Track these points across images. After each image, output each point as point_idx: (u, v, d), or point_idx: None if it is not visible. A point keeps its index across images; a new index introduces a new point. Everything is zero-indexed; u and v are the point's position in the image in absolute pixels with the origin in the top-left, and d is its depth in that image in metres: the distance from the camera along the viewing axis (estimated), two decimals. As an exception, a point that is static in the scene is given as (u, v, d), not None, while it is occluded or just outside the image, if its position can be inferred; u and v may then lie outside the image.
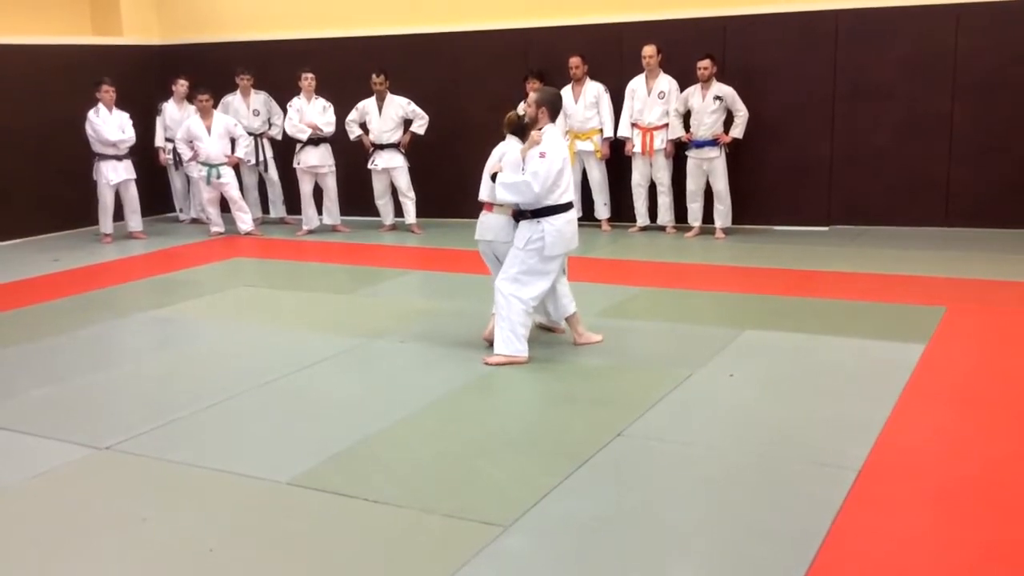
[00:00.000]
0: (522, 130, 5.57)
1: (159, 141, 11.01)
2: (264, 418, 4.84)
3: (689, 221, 9.38)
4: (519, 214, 5.48)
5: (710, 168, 9.15)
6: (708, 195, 9.32)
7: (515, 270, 5.45)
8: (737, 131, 9.03)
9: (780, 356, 5.51)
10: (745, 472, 3.98)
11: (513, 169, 5.42)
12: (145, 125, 10.66)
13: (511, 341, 5.43)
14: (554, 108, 5.54)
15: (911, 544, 3.35)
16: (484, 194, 5.71)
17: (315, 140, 10.15)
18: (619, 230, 9.77)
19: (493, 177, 5.51)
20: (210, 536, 3.57)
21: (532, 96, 5.58)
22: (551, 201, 5.39)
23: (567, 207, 5.50)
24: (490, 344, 5.65)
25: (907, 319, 6.08)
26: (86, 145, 9.89)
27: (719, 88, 9.00)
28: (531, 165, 5.33)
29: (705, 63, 8.94)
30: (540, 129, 5.43)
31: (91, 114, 9.79)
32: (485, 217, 5.70)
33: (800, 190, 9.41)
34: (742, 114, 8.99)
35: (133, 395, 5.28)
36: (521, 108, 5.95)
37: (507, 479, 3.98)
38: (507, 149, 5.57)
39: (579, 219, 9.78)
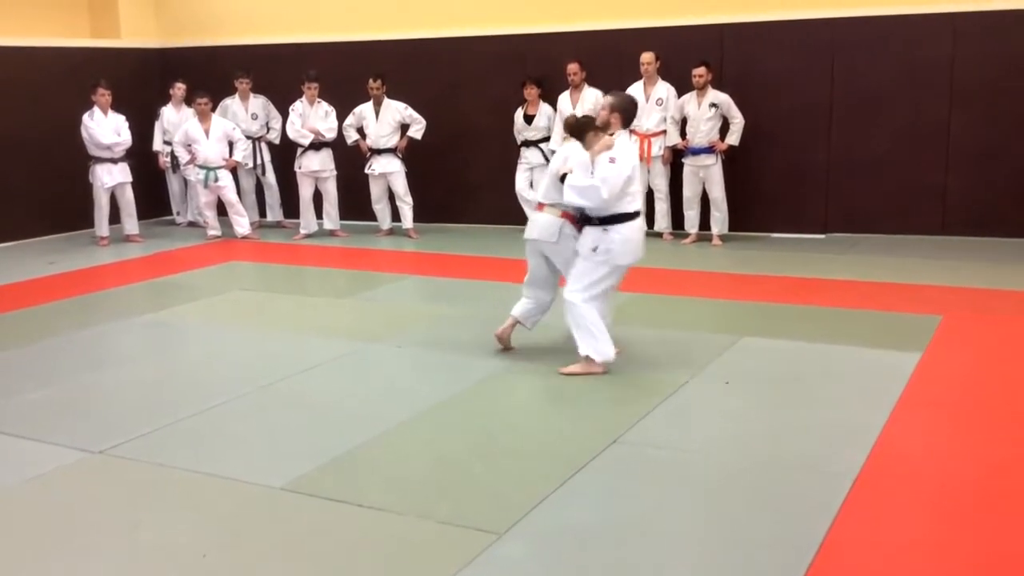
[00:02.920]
0: (580, 133, 5.37)
1: (157, 145, 11.00)
2: (259, 423, 4.82)
3: (686, 228, 9.39)
4: (585, 219, 5.35)
5: (706, 175, 9.17)
6: (704, 202, 9.33)
7: (585, 281, 5.32)
8: (733, 138, 9.05)
9: (777, 363, 5.50)
10: (741, 479, 3.98)
11: (582, 171, 5.26)
12: (143, 128, 10.66)
13: (592, 350, 5.29)
14: (628, 115, 5.39)
15: (907, 551, 3.35)
16: (540, 194, 5.64)
17: (317, 145, 10.15)
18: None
19: (562, 179, 5.32)
20: (204, 541, 3.55)
21: (607, 100, 5.40)
22: (619, 209, 5.25)
23: (635, 215, 5.35)
24: (502, 344, 5.62)
25: (903, 327, 6.08)
26: (83, 148, 9.87)
27: (715, 95, 9.01)
28: (600, 170, 5.17)
29: (700, 70, 8.96)
30: (612, 135, 5.28)
31: (86, 117, 9.78)
32: (535, 215, 5.62)
33: (797, 197, 9.42)
34: (738, 121, 9.01)
35: (128, 399, 5.26)
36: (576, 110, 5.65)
37: (503, 485, 3.97)
38: (570, 152, 5.41)
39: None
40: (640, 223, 5.42)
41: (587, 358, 5.32)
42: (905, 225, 9.09)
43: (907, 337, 5.81)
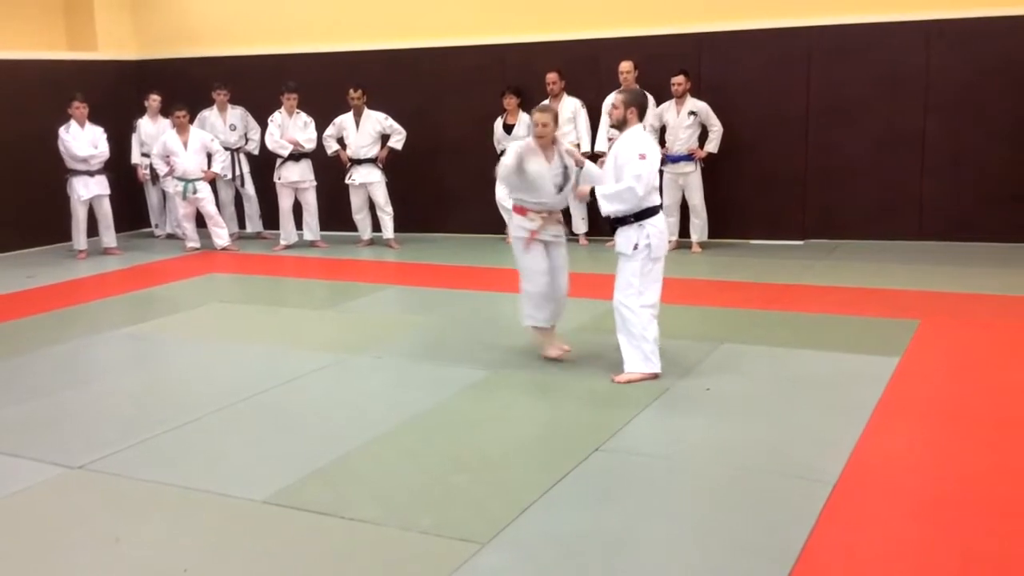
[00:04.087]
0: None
1: (136, 158, 10.96)
2: (240, 436, 4.80)
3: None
4: (618, 220, 5.34)
5: (685, 183, 9.22)
6: (684, 210, 9.38)
7: (631, 280, 5.34)
8: (712, 146, 9.11)
9: (756, 370, 5.53)
10: (721, 486, 4.00)
11: (605, 177, 5.35)
12: (121, 140, 10.60)
13: (644, 358, 5.32)
14: (642, 108, 5.48)
15: (886, 557, 3.37)
16: (501, 194, 5.76)
17: (296, 155, 10.13)
18: (596, 244, 9.79)
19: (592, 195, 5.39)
20: (185, 556, 3.53)
21: (619, 97, 5.40)
22: (651, 202, 5.30)
23: (661, 206, 5.46)
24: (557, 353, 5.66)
25: (881, 332, 6.13)
26: (60, 160, 9.81)
27: (693, 104, 9.08)
28: (632, 168, 5.17)
29: (679, 79, 9.02)
30: (624, 130, 5.35)
31: (62, 130, 9.73)
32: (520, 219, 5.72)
33: (775, 204, 9.48)
34: (716, 129, 9.07)
35: (107, 413, 5.22)
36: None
37: (485, 495, 3.97)
38: (518, 147, 5.54)
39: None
40: (663, 216, 5.50)
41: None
42: (882, 231, 9.18)
43: (885, 342, 5.86)
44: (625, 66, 9.29)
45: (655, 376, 5.32)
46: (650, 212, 5.30)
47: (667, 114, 9.18)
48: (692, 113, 9.07)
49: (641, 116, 5.43)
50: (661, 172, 9.22)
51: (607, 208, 5.30)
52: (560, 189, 5.62)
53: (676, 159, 9.17)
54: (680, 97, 9.08)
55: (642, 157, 5.19)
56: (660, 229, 5.36)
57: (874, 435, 4.44)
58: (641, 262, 5.32)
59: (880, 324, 6.33)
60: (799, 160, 9.36)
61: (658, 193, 5.43)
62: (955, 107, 8.82)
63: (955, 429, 4.56)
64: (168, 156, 10.17)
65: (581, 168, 5.65)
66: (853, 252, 8.88)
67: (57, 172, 9.90)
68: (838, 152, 9.21)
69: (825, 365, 5.54)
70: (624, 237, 5.34)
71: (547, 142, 5.57)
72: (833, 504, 3.73)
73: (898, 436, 4.49)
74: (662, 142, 9.26)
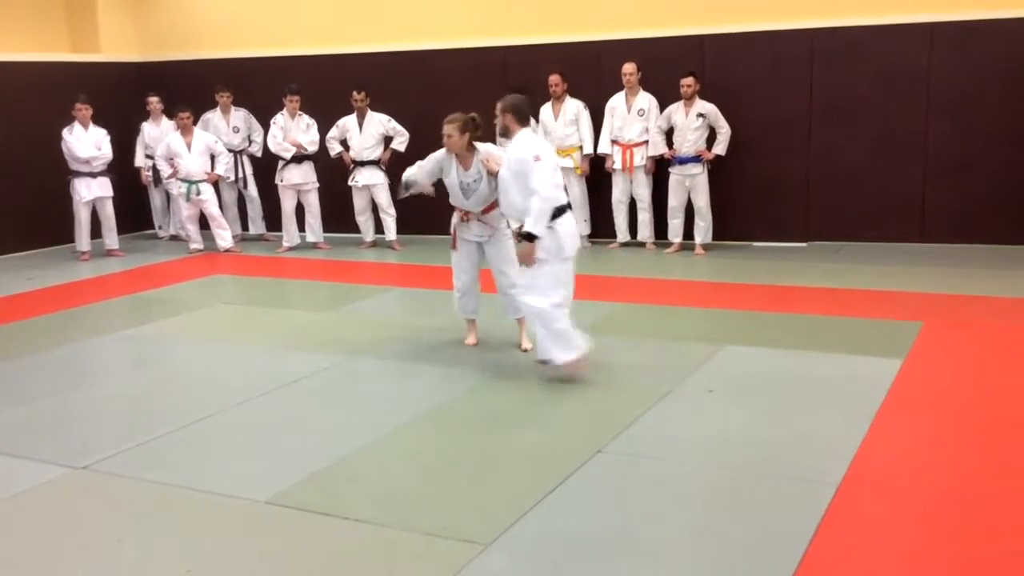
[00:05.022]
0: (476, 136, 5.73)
1: (139, 161, 10.98)
2: (242, 437, 4.80)
3: (670, 237, 9.43)
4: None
5: (692, 184, 9.21)
6: (688, 211, 9.37)
7: (538, 282, 5.33)
8: (720, 148, 9.10)
9: (759, 372, 5.53)
10: (724, 488, 3.99)
11: (516, 191, 5.33)
12: (124, 142, 10.62)
13: (565, 345, 5.33)
14: (519, 111, 5.42)
15: (889, 560, 3.36)
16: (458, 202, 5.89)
17: (298, 157, 10.14)
18: (599, 246, 9.80)
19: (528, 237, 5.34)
20: (187, 557, 3.53)
21: (498, 105, 5.47)
22: (559, 201, 5.31)
23: (569, 206, 5.46)
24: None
25: (884, 334, 6.12)
26: (63, 162, 9.83)
27: (702, 106, 9.07)
28: (534, 176, 5.19)
29: (688, 80, 9.01)
30: (511, 137, 5.38)
31: (65, 132, 9.75)
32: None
33: (779, 206, 9.48)
34: (725, 131, 9.06)
35: (110, 414, 5.23)
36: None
37: (487, 497, 3.96)
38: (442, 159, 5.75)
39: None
40: (573, 216, 5.48)
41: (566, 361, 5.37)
42: (885, 233, 9.17)
43: (888, 344, 5.85)
44: (628, 68, 9.31)
45: (584, 357, 5.35)
46: (558, 212, 5.30)
47: (675, 116, 9.18)
48: (700, 115, 9.06)
49: (522, 119, 5.42)
50: (665, 174, 9.35)
51: (537, 228, 5.21)
52: (472, 195, 5.79)
53: (684, 161, 9.17)
54: (689, 99, 9.07)
55: (537, 159, 5.23)
56: (569, 229, 5.36)
57: (877, 437, 4.43)
58: (551, 264, 5.31)
59: (883, 326, 6.32)
60: (802, 162, 9.35)
61: (564, 192, 5.45)
62: (958, 109, 8.82)
63: (959, 431, 4.56)
64: (172, 158, 10.18)
65: (494, 176, 5.64)
66: (856, 254, 8.87)
67: (60, 174, 9.92)
68: (841, 154, 9.21)
69: (828, 367, 5.53)
70: (543, 241, 5.30)
71: (457, 150, 5.73)
72: (836, 507, 3.72)
73: (901, 438, 4.48)
74: (669, 144, 9.26)
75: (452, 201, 5.96)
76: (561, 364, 5.37)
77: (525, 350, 5.94)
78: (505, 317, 6.12)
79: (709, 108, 9.06)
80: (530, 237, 5.22)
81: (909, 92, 8.93)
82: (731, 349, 5.91)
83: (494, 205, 5.82)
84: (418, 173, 6.08)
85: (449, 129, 5.67)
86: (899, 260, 8.52)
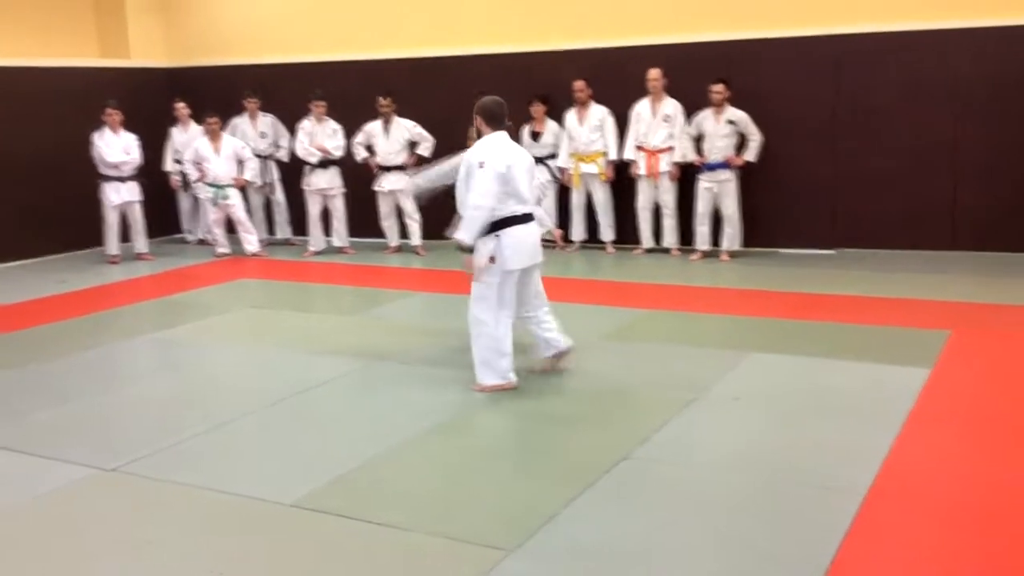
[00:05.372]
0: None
1: (168, 166, 11.10)
2: (268, 440, 4.84)
3: (697, 244, 9.37)
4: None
5: (721, 191, 9.15)
6: (715, 218, 9.33)
7: (485, 292, 5.30)
8: (750, 154, 9.05)
9: (785, 380, 5.50)
10: (750, 496, 3.97)
11: (465, 193, 5.32)
12: (152, 147, 10.73)
13: (493, 372, 5.32)
14: (490, 114, 5.32)
15: (916, 570, 3.34)
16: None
17: (324, 162, 10.21)
18: (623, 252, 9.78)
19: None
20: (214, 559, 3.56)
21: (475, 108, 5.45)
22: (507, 212, 5.22)
23: (524, 218, 5.29)
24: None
25: (912, 343, 6.07)
26: (93, 167, 9.95)
27: (732, 113, 9.02)
28: (474, 183, 5.19)
29: (719, 87, 8.98)
30: (479, 139, 5.36)
31: (95, 136, 9.88)
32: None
33: (806, 213, 9.42)
34: (757, 138, 9.01)
35: (139, 416, 5.28)
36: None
37: (511, 502, 3.97)
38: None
39: (584, 242, 9.97)
40: (531, 227, 5.34)
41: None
42: (913, 240, 9.09)
43: (916, 353, 5.80)
44: (653, 73, 9.29)
45: (512, 387, 5.32)
46: (508, 222, 5.22)
47: (705, 122, 9.14)
48: (730, 122, 9.01)
49: (492, 121, 5.33)
50: (690, 180, 9.32)
51: (462, 236, 5.21)
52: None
53: (713, 167, 9.13)
54: (719, 106, 9.04)
55: (481, 165, 5.18)
56: (518, 240, 5.24)
57: (905, 446, 4.40)
58: (499, 274, 5.25)
59: (911, 335, 6.27)
60: (829, 169, 9.29)
61: (520, 202, 5.27)
62: (987, 115, 8.73)
63: (987, 441, 4.51)
64: (199, 162, 10.28)
65: None
66: (884, 261, 8.80)
67: (90, 178, 10.04)
68: (868, 160, 9.14)
69: (855, 376, 5.49)
70: (481, 249, 5.26)
71: None
72: (863, 516, 3.69)
73: (929, 447, 4.44)
74: (699, 151, 9.23)
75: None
76: (477, 386, 5.34)
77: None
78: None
79: (740, 115, 9.02)
80: (462, 246, 5.21)
81: (938, 98, 8.85)
82: (757, 357, 5.88)
83: None
84: (426, 178, 5.99)
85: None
86: (927, 268, 8.44)
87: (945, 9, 8.67)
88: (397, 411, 5.19)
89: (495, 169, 5.16)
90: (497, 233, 5.22)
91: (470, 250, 5.24)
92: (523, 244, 5.28)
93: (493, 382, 5.32)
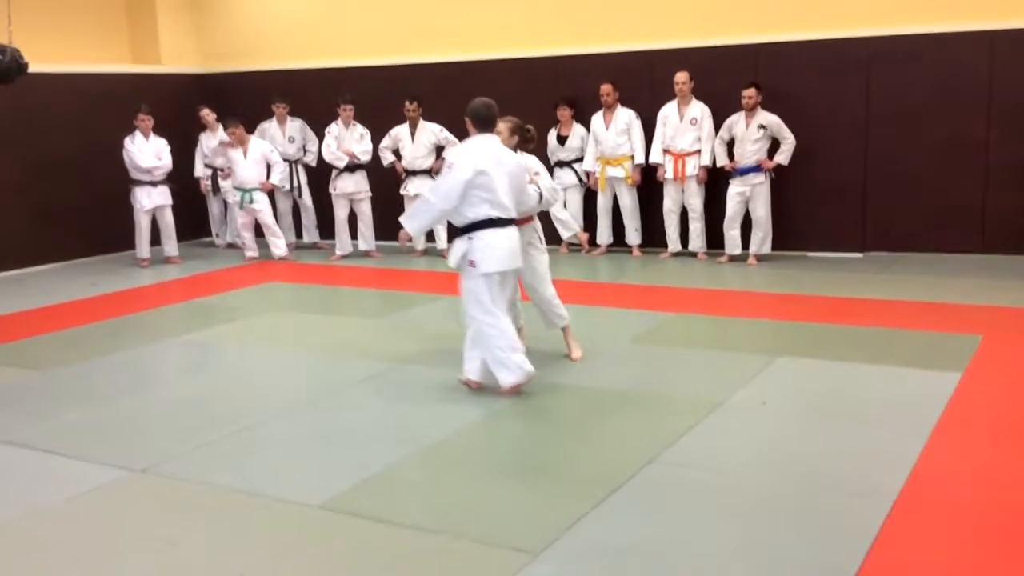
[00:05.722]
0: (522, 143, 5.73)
1: (199, 171, 11.21)
2: (296, 442, 4.87)
3: (727, 248, 9.30)
4: (458, 231, 5.37)
5: (753, 194, 9.09)
6: (743, 221, 9.27)
7: (479, 297, 5.29)
8: (782, 157, 8.98)
9: (814, 384, 5.46)
10: (777, 502, 3.94)
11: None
12: (183, 151, 10.85)
13: (508, 370, 5.28)
14: (477, 116, 5.35)
15: (948, 577, 3.30)
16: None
17: (351, 167, 10.27)
18: (650, 256, 9.76)
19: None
20: (241, 560, 3.59)
21: None
22: (478, 215, 5.22)
23: (499, 222, 5.24)
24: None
25: (943, 347, 6.00)
26: (124, 171, 10.08)
27: (764, 117, 8.96)
28: (439, 179, 5.36)
29: (751, 92, 8.92)
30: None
31: (127, 141, 10.00)
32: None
33: (835, 216, 9.35)
34: (789, 141, 8.94)
35: (168, 418, 5.33)
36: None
37: (537, 505, 3.97)
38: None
39: (610, 246, 9.95)
40: (508, 232, 5.28)
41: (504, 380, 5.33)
42: (944, 244, 8.99)
43: (946, 357, 5.74)
44: (681, 77, 9.27)
45: (532, 377, 5.30)
46: (479, 226, 5.22)
47: (736, 126, 9.09)
48: (762, 127, 8.95)
49: (480, 124, 5.36)
50: (718, 184, 9.27)
51: (407, 225, 5.37)
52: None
53: (744, 171, 9.08)
54: (751, 110, 8.99)
55: (450, 166, 5.25)
56: (488, 244, 5.21)
57: (935, 452, 4.35)
58: (483, 278, 5.26)
59: (941, 339, 6.20)
60: (858, 171, 9.22)
61: (495, 207, 5.22)
62: (1018, 117, 8.60)
63: (1018, 447, 4.45)
64: (226, 164, 10.36)
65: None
66: (914, 265, 8.71)
67: (121, 182, 10.17)
68: (898, 163, 9.06)
69: (884, 380, 5.44)
70: (454, 249, 5.34)
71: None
72: (892, 523, 3.65)
73: (960, 454, 4.39)
74: (731, 155, 9.18)
75: None
76: (502, 390, 5.32)
77: (574, 359, 5.93)
78: (554, 330, 6.10)
79: (772, 119, 8.95)
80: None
81: (970, 100, 8.76)
82: (785, 361, 5.84)
83: (530, 218, 5.80)
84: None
85: (500, 126, 5.59)
86: (958, 271, 8.35)
87: (977, 11, 8.57)
88: (423, 414, 5.20)
89: (461, 175, 5.18)
90: (470, 236, 5.26)
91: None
92: (496, 249, 5.25)
93: (514, 380, 5.30)
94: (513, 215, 5.34)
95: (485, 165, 5.21)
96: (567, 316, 6.01)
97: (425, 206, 5.32)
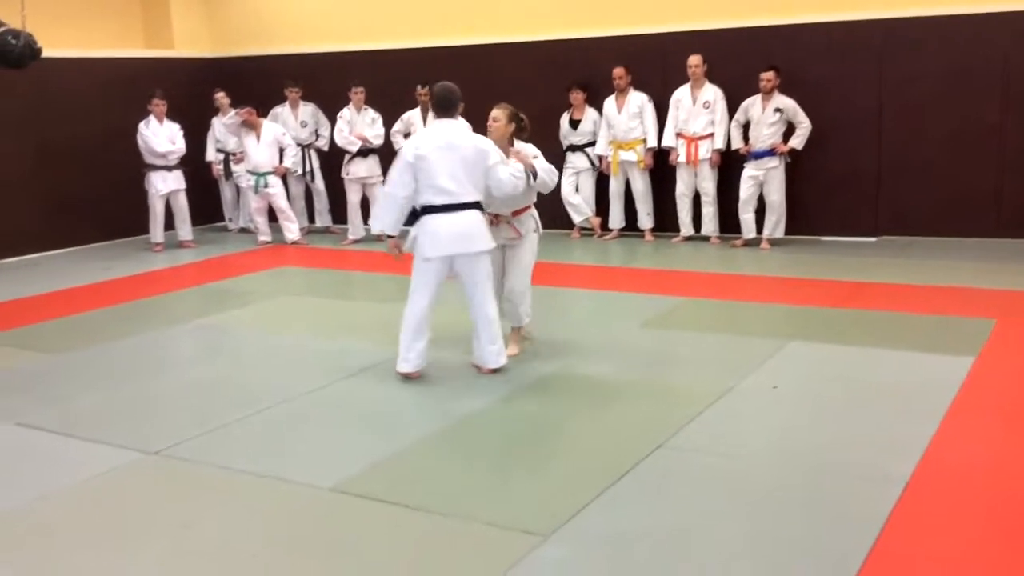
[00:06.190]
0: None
1: (210, 155, 11.24)
2: (308, 425, 4.90)
3: (743, 233, 9.26)
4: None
5: (767, 178, 9.05)
6: (757, 205, 9.24)
7: (413, 277, 5.43)
8: (797, 141, 8.93)
9: (825, 368, 5.45)
10: (788, 486, 3.94)
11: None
12: (197, 136, 10.88)
13: (400, 358, 5.42)
14: (436, 101, 5.40)
15: (957, 563, 3.30)
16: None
17: (364, 151, 10.28)
18: (663, 240, 9.74)
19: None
20: (253, 541, 3.62)
21: None
22: (425, 200, 5.25)
23: (442, 208, 5.22)
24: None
25: (956, 332, 5.98)
26: (138, 156, 10.11)
27: (780, 100, 8.90)
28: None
29: (768, 75, 8.86)
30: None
31: (141, 126, 10.03)
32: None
33: (848, 200, 9.30)
34: (805, 125, 8.89)
35: (181, 401, 5.38)
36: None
37: (548, 489, 3.99)
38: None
39: (622, 230, 9.92)
40: (451, 218, 5.24)
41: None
42: (958, 228, 8.94)
43: (959, 342, 5.72)
44: (694, 60, 9.22)
45: (405, 375, 5.40)
46: (425, 211, 5.26)
47: (752, 109, 9.04)
48: (778, 110, 8.90)
49: (439, 109, 5.38)
50: (731, 167, 9.24)
51: (375, 225, 5.47)
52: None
53: (759, 155, 9.03)
54: (768, 93, 8.93)
55: (400, 153, 5.34)
56: (428, 230, 5.25)
57: (947, 437, 4.34)
58: (422, 262, 5.32)
59: (954, 323, 6.18)
60: (872, 155, 9.16)
61: (438, 192, 5.22)
62: (1034, 100, 8.54)
63: (1032, 432, 4.43)
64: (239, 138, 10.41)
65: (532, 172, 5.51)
66: (927, 249, 8.67)
67: (134, 167, 10.21)
68: (912, 147, 8.99)
69: (896, 365, 5.42)
70: (409, 234, 5.40)
71: (499, 138, 5.51)
72: (902, 508, 3.65)
73: (972, 439, 4.38)
74: (746, 138, 9.13)
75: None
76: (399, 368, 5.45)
77: (509, 354, 5.70)
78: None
79: (788, 103, 8.89)
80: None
81: (984, 84, 8.68)
82: (797, 345, 5.83)
83: (526, 208, 5.74)
84: None
85: (497, 113, 5.56)
86: (972, 255, 8.30)
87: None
88: (435, 398, 5.22)
89: (402, 160, 5.28)
90: (420, 219, 5.32)
91: (391, 236, 5.41)
92: (437, 234, 5.25)
93: (399, 369, 5.42)
94: (464, 200, 5.24)
95: (426, 150, 5.22)
96: (527, 320, 5.84)
97: (385, 200, 5.43)
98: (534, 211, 5.82)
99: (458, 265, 5.36)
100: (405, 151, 5.34)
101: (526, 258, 5.75)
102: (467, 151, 5.26)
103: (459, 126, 5.44)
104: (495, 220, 5.64)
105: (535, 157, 5.64)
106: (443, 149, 5.23)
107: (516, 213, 5.68)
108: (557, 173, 5.69)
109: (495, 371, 5.46)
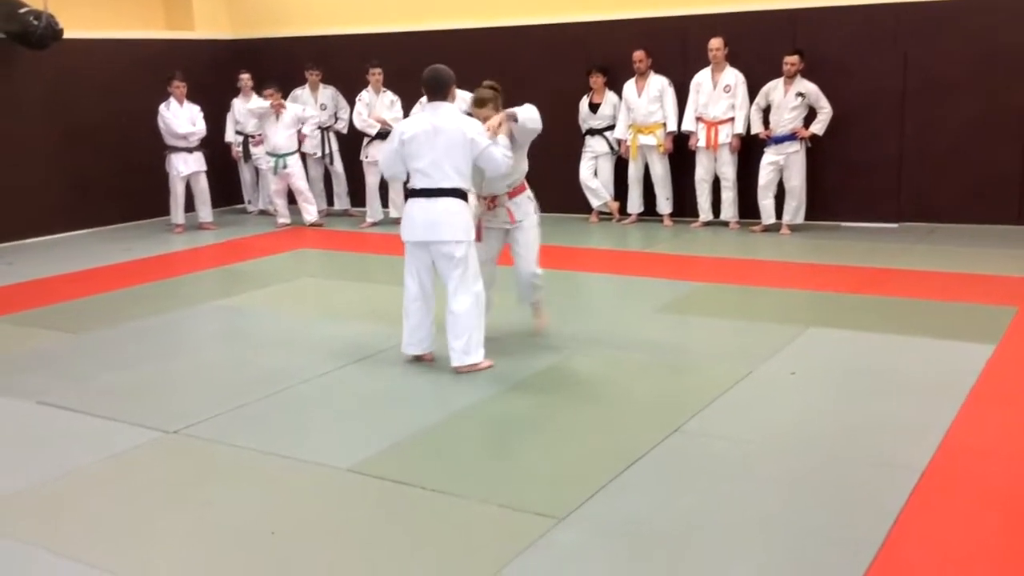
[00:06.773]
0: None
1: (230, 136, 11.27)
2: (326, 406, 4.93)
3: (763, 218, 9.22)
4: None
5: (787, 163, 8.99)
6: (777, 190, 9.18)
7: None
8: (818, 127, 8.86)
9: (844, 355, 5.42)
10: (803, 472, 3.93)
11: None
12: (217, 118, 10.92)
13: (404, 342, 5.52)
14: (425, 83, 5.38)
15: (972, 550, 3.28)
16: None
17: (382, 134, 10.26)
18: (681, 225, 9.70)
19: None
20: (271, 519, 3.66)
21: None
22: (410, 183, 5.34)
23: (419, 192, 5.23)
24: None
25: (976, 319, 5.93)
26: (159, 138, 10.16)
27: (803, 85, 8.83)
28: None
29: (793, 59, 8.78)
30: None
31: (162, 108, 10.07)
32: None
33: (869, 186, 9.22)
34: (826, 111, 8.81)
35: (201, 381, 5.42)
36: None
37: (563, 472, 4.00)
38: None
39: (641, 214, 9.89)
40: (425, 203, 5.20)
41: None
42: (980, 215, 8.85)
43: (980, 329, 5.67)
44: (715, 43, 9.15)
45: (413, 358, 5.50)
46: (411, 194, 5.31)
47: (773, 93, 8.96)
48: (800, 94, 8.82)
49: (428, 92, 5.37)
50: (751, 152, 9.18)
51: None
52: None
53: (780, 139, 8.97)
54: (791, 77, 8.85)
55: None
56: (407, 214, 5.34)
57: (966, 424, 4.32)
58: (406, 245, 5.38)
59: (976, 311, 6.13)
60: (894, 140, 9.07)
61: (417, 175, 5.24)
62: (1062, 86, 8.43)
63: (1052, 421, 4.40)
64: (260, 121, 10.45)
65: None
66: (950, 236, 8.59)
67: (155, 149, 10.26)
68: (935, 132, 8.90)
69: (916, 352, 5.39)
70: None
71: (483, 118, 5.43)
72: (919, 495, 3.64)
73: (991, 426, 4.35)
74: (767, 122, 9.07)
75: (473, 185, 5.45)
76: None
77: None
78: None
79: (810, 88, 8.81)
80: None
81: (1009, 68, 8.56)
82: (815, 331, 5.81)
83: (522, 188, 5.66)
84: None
85: (485, 112, 5.43)
86: (994, 242, 8.22)
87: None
88: (451, 381, 5.23)
89: (391, 143, 5.37)
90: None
91: None
92: (412, 218, 5.28)
93: (404, 352, 5.50)
94: (442, 186, 5.18)
95: (412, 133, 5.22)
96: (538, 300, 5.85)
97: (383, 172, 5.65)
98: (530, 192, 5.72)
99: (432, 253, 5.32)
100: (392, 134, 5.42)
101: (533, 242, 5.69)
102: (453, 135, 5.18)
103: (448, 109, 5.33)
104: (491, 204, 5.59)
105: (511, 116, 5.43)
106: (428, 133, 5.19)
107: (512, 194, 5.61)
108: (533, 107, 5.60)
109: (459, 370, 5.26)
